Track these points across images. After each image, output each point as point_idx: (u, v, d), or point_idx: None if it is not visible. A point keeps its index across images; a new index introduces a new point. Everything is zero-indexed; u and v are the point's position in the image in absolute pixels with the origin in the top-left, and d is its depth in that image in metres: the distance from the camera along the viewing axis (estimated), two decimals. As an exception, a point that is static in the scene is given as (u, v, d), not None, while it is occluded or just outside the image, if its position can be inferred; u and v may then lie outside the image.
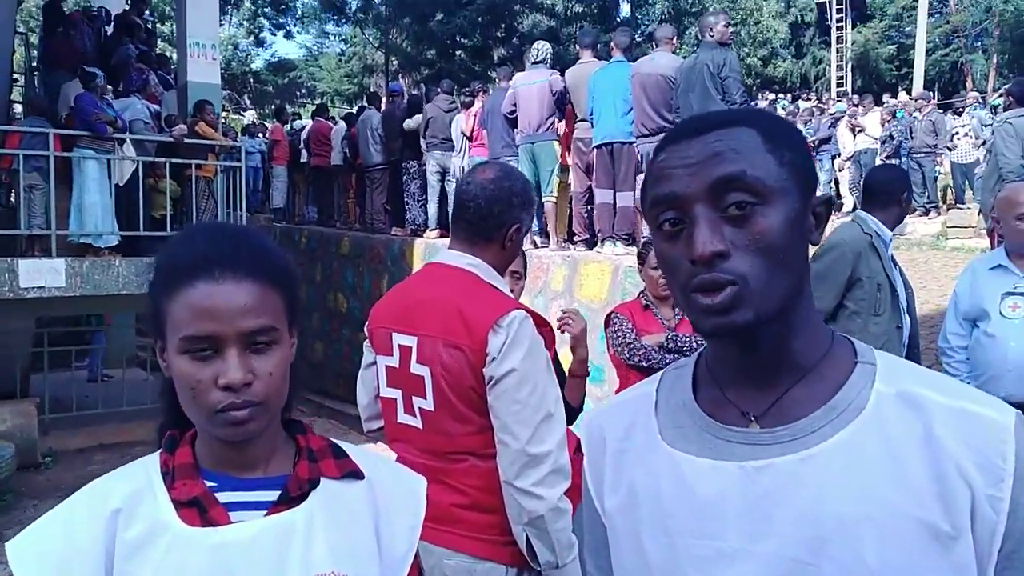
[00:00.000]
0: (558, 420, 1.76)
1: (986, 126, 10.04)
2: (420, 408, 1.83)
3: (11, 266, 6.10)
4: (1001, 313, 2.97)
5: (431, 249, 7.48)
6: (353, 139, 9.88)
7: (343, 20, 29.45)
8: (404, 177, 8.76)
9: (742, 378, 0.80)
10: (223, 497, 0.93)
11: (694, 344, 2.99)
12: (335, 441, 1.05)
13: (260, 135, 13.19)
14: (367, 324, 1.99)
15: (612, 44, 6.36)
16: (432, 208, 8.31)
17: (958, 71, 25.36)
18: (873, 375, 0.76)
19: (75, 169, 6.25)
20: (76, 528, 0.89)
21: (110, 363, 10.05)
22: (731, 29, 5.72)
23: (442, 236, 7.90)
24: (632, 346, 3.05)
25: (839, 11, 23.63)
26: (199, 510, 0.91)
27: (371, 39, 27.92)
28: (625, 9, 25.76)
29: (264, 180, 12.63)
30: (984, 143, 9.14)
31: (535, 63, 6.80)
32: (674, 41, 6.09)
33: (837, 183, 12.25)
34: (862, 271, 2.95)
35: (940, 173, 11.50)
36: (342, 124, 10.91)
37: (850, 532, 0.70)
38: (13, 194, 7.31)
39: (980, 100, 12.61)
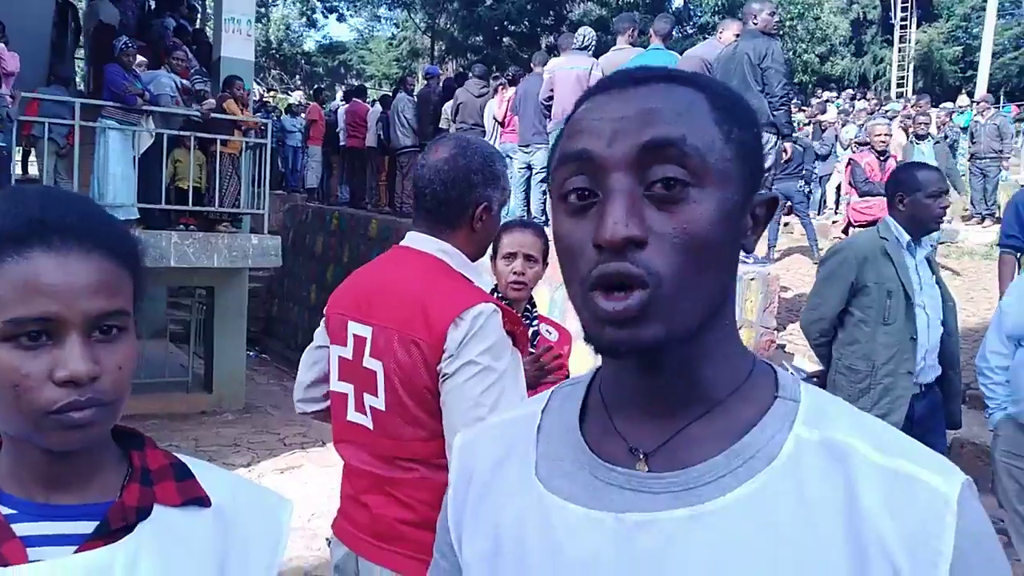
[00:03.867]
0: None
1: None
2: (371, 407, 1.64)
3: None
4: None
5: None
6: (388, 121, 9.76)
7: (394, 4, 29.42)
8: (434, 162, 8.61)
9: (636, 404, 0.64)
10: (22, 529, 0.74)
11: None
12: (182, 458, 0.86)
13: (302, 115, 13.17)
14: (325, 307, 1.81)
15: (651, 31, 6.13)
16: (460, 194, 8.14)
17: (1027, 75, 24.25)
18: (794, 415, 0.60)
19: (98, 140, 6.21)
20: None
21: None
22: (776, 19, 5.40)
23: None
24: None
25: (904, 9, 22.77)
26: None
27: (419, 23, 27.85)
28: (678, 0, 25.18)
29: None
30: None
31: (580, 48, 6.52)
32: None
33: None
34: (868, 277, 2.85)
35: (1003, 179, 10.87)
36: (378, 106, 10.82)
37: None
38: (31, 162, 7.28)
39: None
